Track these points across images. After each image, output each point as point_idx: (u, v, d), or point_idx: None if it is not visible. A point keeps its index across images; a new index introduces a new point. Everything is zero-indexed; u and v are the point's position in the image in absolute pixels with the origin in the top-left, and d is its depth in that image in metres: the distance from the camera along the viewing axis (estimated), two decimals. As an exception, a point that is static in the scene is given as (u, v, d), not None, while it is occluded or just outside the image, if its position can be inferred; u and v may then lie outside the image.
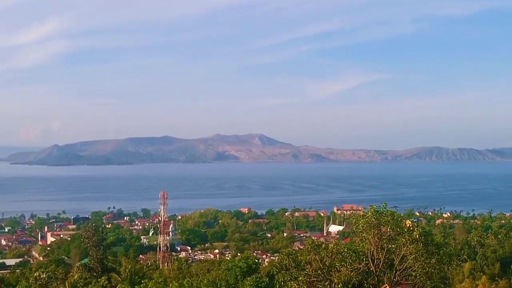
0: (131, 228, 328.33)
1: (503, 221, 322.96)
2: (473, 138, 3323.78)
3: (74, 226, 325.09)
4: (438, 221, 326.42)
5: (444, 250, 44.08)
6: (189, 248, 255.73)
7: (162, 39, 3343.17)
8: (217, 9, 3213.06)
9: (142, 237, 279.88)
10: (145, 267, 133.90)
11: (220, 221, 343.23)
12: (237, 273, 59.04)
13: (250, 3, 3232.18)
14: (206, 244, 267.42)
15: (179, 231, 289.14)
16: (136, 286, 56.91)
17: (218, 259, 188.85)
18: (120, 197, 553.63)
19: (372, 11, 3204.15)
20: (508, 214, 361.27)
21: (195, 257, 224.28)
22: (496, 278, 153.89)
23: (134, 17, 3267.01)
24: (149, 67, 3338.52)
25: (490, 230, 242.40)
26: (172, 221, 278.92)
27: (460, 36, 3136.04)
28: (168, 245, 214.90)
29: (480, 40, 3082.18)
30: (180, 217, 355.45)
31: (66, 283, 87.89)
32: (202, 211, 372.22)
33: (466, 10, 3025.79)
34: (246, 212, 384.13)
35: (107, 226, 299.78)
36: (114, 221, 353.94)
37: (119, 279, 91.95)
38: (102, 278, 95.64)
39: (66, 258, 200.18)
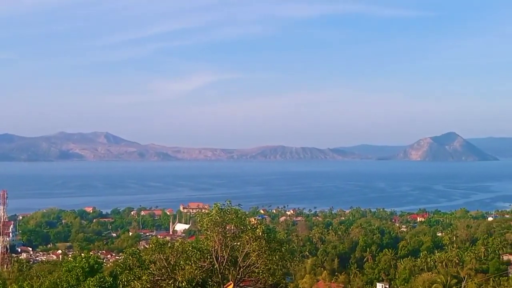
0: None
1: (343, 218, 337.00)
2: (315, 137, 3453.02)
3: None
4: (282, 219, 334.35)
5: (287, 247, 44.97)
6: (31, 249, 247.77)
7: (3, 33, 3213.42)
8: (64, 4, 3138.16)
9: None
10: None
11: (63, 221, 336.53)
12: (79, 274, 57.73)
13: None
14: (49, 245, 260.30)
15: (20, 231, 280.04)
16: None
17: (60, 259, 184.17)
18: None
19: (218, 11, 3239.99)
20: (347, 211, 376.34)
21: (37, 258, 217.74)
22: (336, 273, 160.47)
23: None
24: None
25: (330, 227, 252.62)
26: (12, 222, 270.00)
27: (305, 37, 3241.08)
28: (8, 246, 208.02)
29: (324, 42, 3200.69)
30: (21, 217, 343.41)
31: None
32: (45, 210, 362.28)
33: (308, 13, 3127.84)
34: (91, 211, 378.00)
35: None
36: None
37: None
38: None
39: None
